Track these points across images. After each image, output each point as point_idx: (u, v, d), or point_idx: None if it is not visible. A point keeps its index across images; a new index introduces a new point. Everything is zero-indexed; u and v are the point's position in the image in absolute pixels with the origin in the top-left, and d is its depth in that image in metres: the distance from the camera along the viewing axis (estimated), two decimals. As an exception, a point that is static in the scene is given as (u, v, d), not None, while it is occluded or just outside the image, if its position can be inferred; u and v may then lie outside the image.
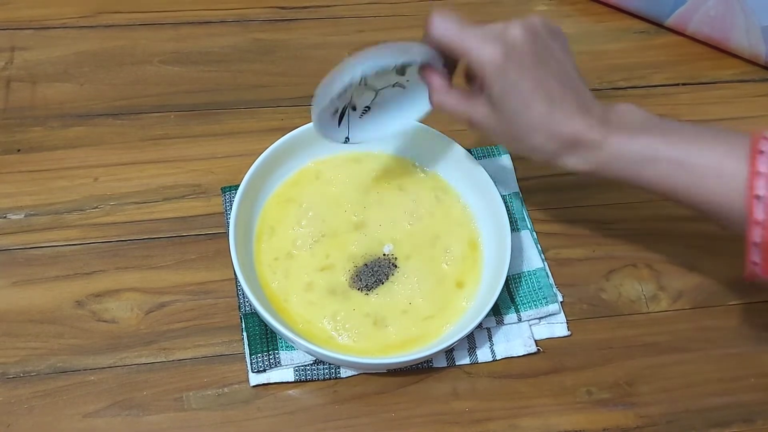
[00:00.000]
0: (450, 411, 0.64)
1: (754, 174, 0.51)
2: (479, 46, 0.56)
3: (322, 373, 0.65)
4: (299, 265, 0.67)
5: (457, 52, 0.58)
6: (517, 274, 0.71)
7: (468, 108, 0.59)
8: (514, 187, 0.75)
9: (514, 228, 0.72)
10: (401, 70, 0.63)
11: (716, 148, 0.54)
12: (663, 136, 0.56)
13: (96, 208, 0.72)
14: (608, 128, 0.57)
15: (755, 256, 0.52)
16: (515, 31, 0.56)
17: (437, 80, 0.60)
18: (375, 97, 0.66)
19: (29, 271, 0.68)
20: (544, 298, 0.69)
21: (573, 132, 0.56)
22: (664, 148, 0.55)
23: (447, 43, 0.57)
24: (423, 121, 0.72)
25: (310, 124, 0.71)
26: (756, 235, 0.51)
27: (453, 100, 0.60)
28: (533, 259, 0.71)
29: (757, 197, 0.51)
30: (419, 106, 0.66)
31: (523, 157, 0.61)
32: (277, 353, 0.65)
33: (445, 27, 0.58)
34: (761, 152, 0.51)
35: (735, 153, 0.53)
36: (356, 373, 0.65)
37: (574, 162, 0.57)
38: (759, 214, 0.51)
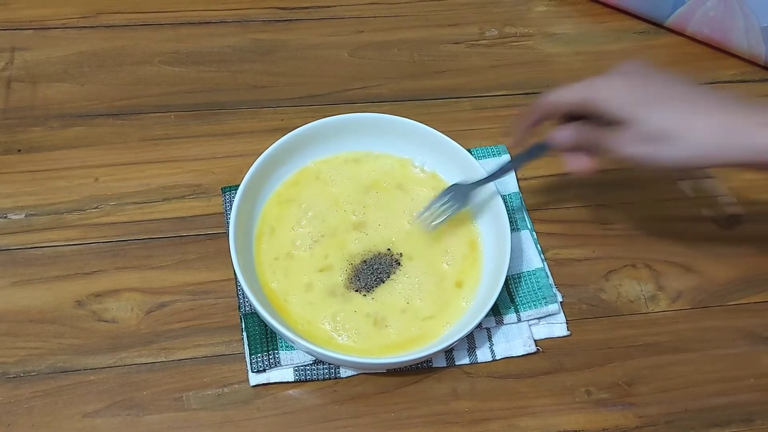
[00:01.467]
0: (450, 411, 0.64)
1: None
2: (605, 88, 0.57)
3: (322, 373, 0.65)
4: (299, 265, 0.68)
5: (576, 104, 0.59)
6: (517, 274, 0.71)
7: (608, 147, 0.59)
8: (514, 187, 0.76)
9: (514, 228, 0.72)
10: None
11: None
12: None
13: (96, 208, 0.72)
14: (758, 111, 0.55)
15: None
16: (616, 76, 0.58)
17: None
18: None
19: (29, 271, 0.68)
20: (543, 298, 0.69)
21: (724, 114, 0.55)
22: None
23: (562, 107, 0.60)
24: (423, 121, 0.72)
25: (310, 124, 0.71)
26: None
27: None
28: (533, 259, 0.71)
29: None
30: None
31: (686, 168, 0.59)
32: (277, 353, 0.65)
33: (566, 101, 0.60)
34: None
35: None
36: (356, 373, 0.65)
37: (725, 156, 0.55)
38: None
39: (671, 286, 0.72)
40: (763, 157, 0.54)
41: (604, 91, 0.57)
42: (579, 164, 0.61)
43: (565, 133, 0.61)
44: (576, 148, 0.61)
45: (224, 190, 0.73)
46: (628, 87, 0.57)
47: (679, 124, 0.55)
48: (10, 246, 0.69)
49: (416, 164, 0.74)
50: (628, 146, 0.57)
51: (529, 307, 0.69)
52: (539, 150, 0.64)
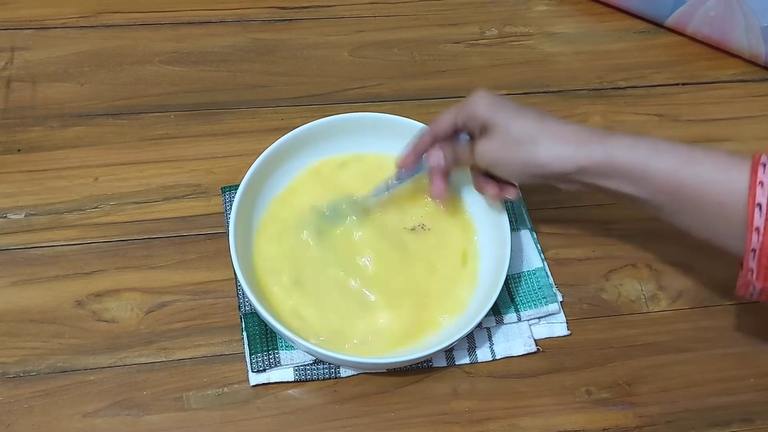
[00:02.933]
0: (450, 411, 0.64)
1: (755, 184, 0.53)
2: (469, 101, 0.63)
3: (321, 373, 0.65)
4: (299, 265, 0.67)
5: (459, 119, 0.64)
6: (517, 273, 0.71)
7: (471, 156, 0.64)
8: (514, 187, 0.76)
9: (514, 228, 0.72)
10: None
11: (718, 158, 0.56)
12: (664, 141, 0.58)
13: (96, 208, 0.72)
14: (608, 131, 0.60)
15: (751, 263, 0.53)
16: (479, 91, 0.64)
17: (437, 163, 0.67)
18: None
19: (29, 271, 0.68)
20: (543, 298, 0.69)
21: (575, 129, 0.60)
22: (668, 146, 0.57)
23: (445, 127, 0.65)
24: (423, 121, 0.72)
25: (310, 124, 0.71)
26: (754, 242, 0.53)
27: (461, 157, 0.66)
28: (533, 259, 0.71)
29: (758, 206, 0.52)
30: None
31: (533, 182, 0.62)
32: (277, 353, 0.65)
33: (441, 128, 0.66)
34: (763, 165, 0.53)
35: (736, 164, 0.54)
36: (356, 373, 0.65)
37: (583, 157, 0.59)
38: (758, 221, 0.52)
39: (672, 285, 0.72)
40: (615, 160, 0.58)
41: (473, 102, 0.63)
42: (490, 191, 0.66)
43: (436, 152, 0.66)
44: (451, 165, 0.66)
45: (224, 189, 0.73)
46: (492, 98, 0.63)
47: (541, 129, 0.60)
48: (10, 246, 0.69)
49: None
50: (495, 150, 0.62)
51: (530, 306, 0.69)
52: (419, 170, 0.68)
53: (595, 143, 0.59)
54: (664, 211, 0.59)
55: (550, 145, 0.60)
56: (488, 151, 0.62)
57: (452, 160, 0.66)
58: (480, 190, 0.67)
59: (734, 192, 0.54)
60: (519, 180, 0.64)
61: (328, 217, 0.69)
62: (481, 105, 0.63)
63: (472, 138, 0.65)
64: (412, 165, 0.68)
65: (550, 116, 0.62)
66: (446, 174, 0.67)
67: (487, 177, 0.66)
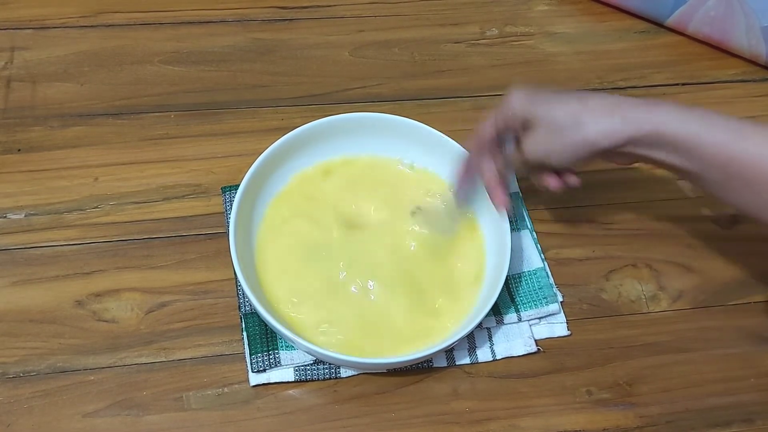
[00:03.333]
0: (450, 411, 0.64)
1: None
2: (505, 102, 0.63)
3: (322, 373, 0.65)
4: (300, 265, 0.67)
5: (499, 123, 0.64)
6: (517, 273, 0.71)
7: (522, 154, 0.63)
8: (514, 187, 0.75)
9: (514, 228, 0.72)
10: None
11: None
12: (715, 113, 0.57)
13: (96, 207, 0.72)
14: (652, 101, 0.59)
15: None
16: (514, 89, 0.63)
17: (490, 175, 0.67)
18: None
19: (29, 271, 0.68)
20: (544, 298, 0.69)
21: (617, 101, 0.60)
22: (719, 119, 0.57)
23: (487, 135, 0.65)
24: (423, 121, 0.72)
25: (310, 124, 0.71)
26: None
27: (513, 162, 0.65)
28: (533, 259, 0.71)
29: None
30: None
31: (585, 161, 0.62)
32: (277, 353, 0.65)
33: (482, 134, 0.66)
34: None
35: None
36: (356, 373, 0.65)
37: (632, 129, 0.58)
38: None
39: (672, 285, 0.72)
40: (665, 131, 0.57)
41: (509, 102, 0.62)
42: (552, 183, 0.65)
43: (487, 165, 0.66)
44: (504, 171, 0.66)
45: (224, 189, 0.73)
46: (526, 92, 0.62)
47: (583, 108, 0.60)
48: (9, 246, 0.69)
49: (416, 165, 0.74)
50: (543, 142, 0.61)
51: (530, 306, 0.69)
52: (474, 187, 0.68)
53: (642, 113, 0.58)
54: (715, 187, 0.58)
55: (595, 121, 0.59)
56: (536, 144, 0.61)
57: (503, 166, 0.65)
58: (540, 185, 0.66)
59: None
60: (574, 164, 0.62)
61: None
62: (518, 102, 0.62)
63: (517, 137, 0.64)
64: (468, 183, 0.68)
65: (590, 93, 0.61)
66: (503, 182, 0.67)
67: (544, 170, 0.65)
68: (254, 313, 0.66)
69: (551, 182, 0.65)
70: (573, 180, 0.65)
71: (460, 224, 0.70)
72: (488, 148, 0.66)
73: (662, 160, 0.59)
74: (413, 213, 0.70)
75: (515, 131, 0.63)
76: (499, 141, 0.65)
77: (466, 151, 0.67)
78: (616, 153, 0.60)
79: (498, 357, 0.67)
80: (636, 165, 0.64)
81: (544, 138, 0.61)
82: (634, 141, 0.58)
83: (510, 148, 0.65)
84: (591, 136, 0.59)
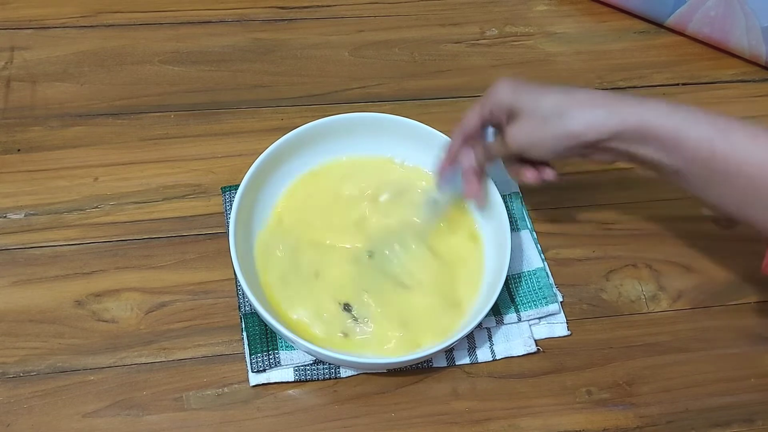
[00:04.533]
0: (450, 411, 0.64)
1: None
2: (492, 91, 0.63)
3: (322, 373, 0.65)
4: (300, 265, 0.67)
5: (485, 111, 0.64)
6: (517, 274, 0.71)
7: (504, 144, 0.63)
8: (514, 187, 0.75)
9: (514, 228, 0.72)
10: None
11: (755, 131, 0.55)
12: (700, 109, 0.57)
13: (96, 207, 0.72)
14: (639, 96, 0.59)
15: None
16: (501, 78, 0.63)
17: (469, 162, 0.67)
18: None
19: (29, 271, 0.68)
20: (544, 298, 0.69)
21: (603, 94, 0.60)
22: (704, 115, 0.57)
23: (473, 123, 0.65)
24: (423, 121, 0.72)
25: (310, 124, 0.71)
26: None
27: (492, 152, 0.66)
28: (533, 259, 0.71)
29: None
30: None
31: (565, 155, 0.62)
32: (277, 353, 0.65)
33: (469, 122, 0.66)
34: None
35: None
36: (356, 373, 0.65)
37: (616, 122, 0.58)
38: None
39: (672, 286, 0.72)
40: (649, 125, 0.57)
41: (496, 91, 0.63)
42: (529, 175, 0.65)
43: (466, 153, 0.66)
44: (483, 161, 0.66)
45: (224, 189, 0.73)
46: (514, 82, 0.62)
47: (569, 100, 0.60)
48: (10, 246, 0.69)
49: (415, 165, 0.73)
50: (527, 131, 0.61)
51: (530, 306, 0.69)
52: (458, 175, 0.68)
53: (628, 107, 0.58)
54: (697, 184, 0.58)
55: (580, 113, 0.59)
56: (519, 134, 0.61)
57: (484, 156, 0.65)
58: (517, 177, 0.66)
59: None
60: (555, 157, 0.62)
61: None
62: (505, 91, 0.62)
63: (501, 128, 0.64)
64: (450, 173, 0.68)
65: (576, 87, 0.61)
66: (480, 172, 0.67)
67: (523, 162, 0.65)
68: (254, 313, 0.66)
69: (528, 175, 0.65)
70: (549, 174, 0.65)
71: (445, 210, 0.70)
72: (472, 136, 0.66)
73: (645, 156, 0.58)
74: (384, 198, 0.71)
75: (500, 121, 0.63)
76: (482, 130, 0.65)
77: (449, 139, 0.67)
78: (599, 148, 0.60)
79: (498, 357, 0.67)
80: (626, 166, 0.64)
81: (528, 128, 0.61)
82: (618, 135, 0.58)
83: (491, 138, 0.65)
84: (575, 128, 0.59)
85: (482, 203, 0.69)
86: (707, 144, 0.55)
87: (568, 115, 0.59)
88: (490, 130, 0.65)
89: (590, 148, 0.60)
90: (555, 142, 0.60)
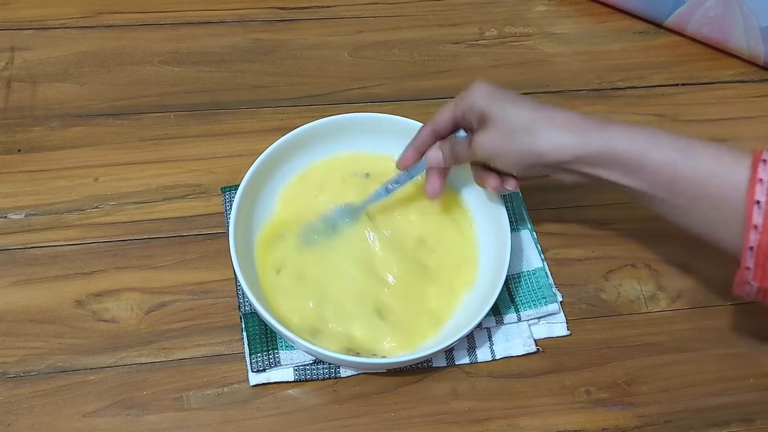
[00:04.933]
0: (449, 411, 0.64)
1: (755, 180, 0.52)
2: (467, 93, 0.63)
3: (321, 373, 0.65)
4: (300, 265, 0.67)
5: (458, 111, 0.64)
6: (517, 273, 0.71)
7: (471, 149, 0.63)
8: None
9: (514, 228, 0.72)
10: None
11: (718, 151, 0.55)
12: (663, 132, 0.58)
13: (96, 208, 0.72)
14: (606, 120, 0.59)
15: (749, 261, 0.53)
16: (478, 81, 0.63)
17: (434, 156, 0.66)
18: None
19: (29, 271, 0.68)
20: (543, 298, 0.69)
21: (572, 117, 0.59)
22: (666, 137, 0.57)
23: (444, 122, 0.65)
24: (423, 121, 0.72)
25: (310, 124, 0.71)
26: (752, 239, 0.52)
27: (458, 154, 0.65)
28: (533, 259, 0.71)
29: (757, 203, 0.52)
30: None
31: (529, 173, 0.62)
32: (277, 353, 0.65)
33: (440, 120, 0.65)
34: (764, 161, 0.53)
35: (736, 158, 0.54)
36: (356, 373, 0.65)
37: (580, 145, 0.58)
38: (757, 218, 0.52)
39: (671, 285, 0.72)
40: (613, 149, 0.57)
41: (471, 93, 0.62)
42: (491, 183, 0.65)
43: (434, 151, 0.66)
44: (450, 162, 0.66)
45: (224, 189, 0.74)
46: (490, 87, 0.62)
47: (538, 117, 0.59)
48: (10, 246, 0.69)
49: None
50: (493, 141, 0.61)
51: (529, 306, 0.69)
52: (419, 169, 0.68)
53: (593, 131, 0.58)
54: (662, 206, 0.58)
55: (547, 133, 0.59)
56: (486, 142, 0.61)
57: (451, 157, 0.65)
58: (481, 183, 0.66)
59: (733, 186, 0.53)
60: (518, 171, 0.63)
61: (323, 230, 0.68)
62: (479, 95, 0.62)
63: (471, 132, 0.64)
64: (412, 165, 0.67)
65: (548, 105, 0.61)
66: (444, 172, 0.67)
67: (488, 170, 0.65)
68: (254, 313, 0.66)
69: (491, 182, 0.65)
70: (512, 185, 0.64)
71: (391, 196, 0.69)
72: (442, 134, 0.65)
73: (611, 179, 0.59)
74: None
75: (470, 124, 0.63)
76: (453, 129, 0.65)
77: (420, 130, 0.67)
78: (562, 169, 0.60)
79: (497, 357, 0.67)
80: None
81: (494, 138, 0.61)
82: (581, 159, 0.58)
83: (460, 141, 0.64)
84: (539, 148, 0.59)
85: (435, 198, 0.68)
86: (670, 167, 0.56)
87: (534, 133, 0.59)
88: (461, 134, 0.65)
89: (554, 168, 0.60)
90: (518, 157, 0.60)
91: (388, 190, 0.69)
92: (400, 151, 0.73)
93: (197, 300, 0.68)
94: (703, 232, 0.57)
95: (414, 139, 0.67)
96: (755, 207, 0.52)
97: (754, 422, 0.66)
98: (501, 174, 0.65)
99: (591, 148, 0.58)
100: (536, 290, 0.69)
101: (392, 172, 0.73)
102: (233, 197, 0.67)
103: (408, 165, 0.68)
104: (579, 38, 0.90)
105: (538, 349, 0.68)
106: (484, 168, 0.65)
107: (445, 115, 0.64)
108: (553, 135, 0.59)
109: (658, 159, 0.56)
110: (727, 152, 0.55)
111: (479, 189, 0.70)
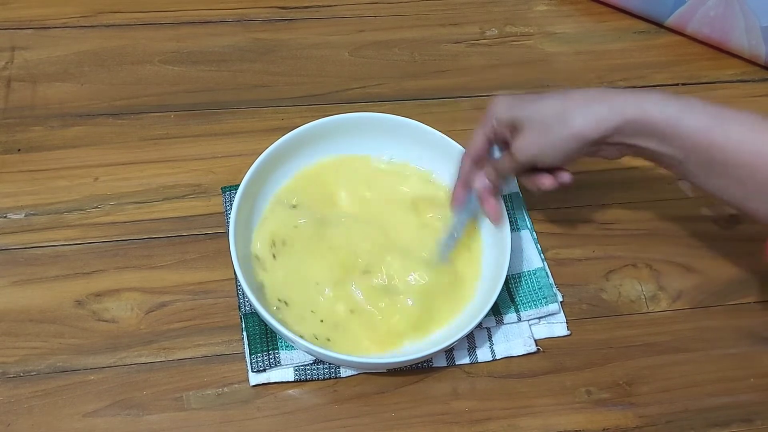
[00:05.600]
0: (450, 411, 0.64)
1: None
2: (490, 110, 0.64)
3: (321, 373, 0.65)
4: (299, 265, 0.67)
5: (488, 131, 0.64)
6: (517, 273, 0.71)
7: (511, 157, 0.63)
8: (514, 187, 0.75)
9: (514, 228, 0.72)
10: None
11: (753, 119, 0.55)
12: (697, 99, 0.58)
13: (96, 207, 0.72)
14: (636, 90, 0.60)
15: None
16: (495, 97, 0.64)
17: (483, 186, 0.67)
18: None
19: (29, 271, 0.68)
20: (543, 298, 0.69)
21: (601, 90, 0.60)
22: (700, 104, 0.57)
23: (479, 145, 0.66)
24: (423, 121, 0.72)
25: (310, 124, 0.71)
26: None
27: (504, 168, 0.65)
28: (533, 259, 0.71)
29: None
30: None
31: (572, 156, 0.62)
32: (277, 353, 0.65)
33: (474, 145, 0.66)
34: None
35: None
36: (356, 373, 0.65)
37: (617, 116, 0.58)
38: None
39: (672, 285, 0.72)
40: (648, 117, 0.57)
41: (493, 110, 0.63)
42: (546, 182, 0.65)
43: (479, 176, 0.67)
44: (496, 180, 0.66)
45: (224, 189, 0.74)
46: (509, 98, 0.63)
47: (567, 103, 0.60)
48: (10, 246, 0.69)
49: (415, 165, 0.74)
50: (533, 142, 0.61)
51: (530, 306, 0.69)
52: (471, 199, 0.68)
53: (628, 100, 0.58)
54: (697, 174, 0.58)
55: (581, 113, 0.59)
56: (526, 145, 0.62)
57: (496, 175, 0.66)
58: (534, 187, 0.66)
59: (766, 154, 0.53)
60: (565, 160, 0.62)
61: None
62: (502, 108, 0.63)
63: (507, 144, 0.64)
64: (463, 197, 0.68)
65: (572, 89, 0.61)
66: (496, 192, 0.67)
67: (536, 171, 0.65)
68: (254, 313, 0.66)
69: (545, 182, 0.65)
70: (566, 177, 0.65)
71: (460, 239, 0.69)
72: (479, 159, 0.66)
73: (648, 147, 0.59)
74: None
75: (504, 137, 0.64)
76: (488, 150, 0.65)
77: (460, 166, 0.67)
78: (605, 144, 0.60)
79: (498, 357, 0.67)
80: (636, 165, 0.64)
81: (533, 138, 0.61)
82: (620, 129, 0.58)
83: (499, 156, 0.65)
84: (578, 129, 0.59)
85: (500, 222, 0.67)
86: (704, 134, 0.56)
87: (569, 118, 0.59)
88: (496, 149, 0.65)
89: (596, 145, 0.60)
90: (562, 145, 0.60)
91: (454, 237, 0.68)
92: (401, 151, 0.74)
93: (197, 300, 0.68)
94: (736, 200, 0.57)
95: (457, 175, 0.68)
96: None
97: (754, 422, 0.66)
98: (551, 171, 0.65)
99: (627, 117, 0.58)
100: (536, 290, 0.69)
101: (392, 172, 0.73)
102: (233, 197, 0.67)
103: (461, 202, 0.68)
104: (580, 38, 0.90)
105: (538, 349, 0.68)
106: (531, 172, 0.65)
107: (477, 138, 0.65)
108: (587, 113, 0.59)
109: (693, 125, 0.56)
110: (762, 121, 0.55)
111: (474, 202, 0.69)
